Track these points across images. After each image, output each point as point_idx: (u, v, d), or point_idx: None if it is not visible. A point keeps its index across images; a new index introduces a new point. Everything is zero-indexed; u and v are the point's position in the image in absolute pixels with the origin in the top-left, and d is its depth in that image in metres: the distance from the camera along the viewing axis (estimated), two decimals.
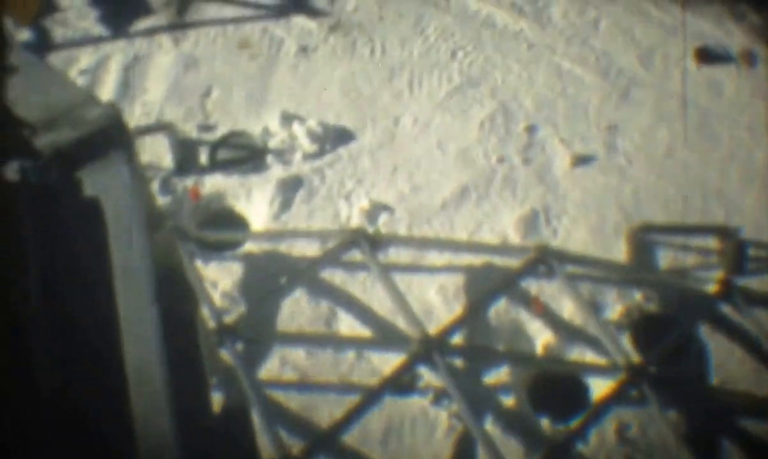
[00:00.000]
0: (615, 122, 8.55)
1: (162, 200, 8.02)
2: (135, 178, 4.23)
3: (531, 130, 8.49)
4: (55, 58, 9.34)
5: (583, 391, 7.18)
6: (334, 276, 7.59)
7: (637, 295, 7.48)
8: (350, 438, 6.81)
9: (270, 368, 7.14)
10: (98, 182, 4.10)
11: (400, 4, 9.58)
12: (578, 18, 9.32)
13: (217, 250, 7.82)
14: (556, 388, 7.20)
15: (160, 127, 8.63)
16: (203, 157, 8.47)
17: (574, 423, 6.88)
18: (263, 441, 6.36)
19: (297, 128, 8.50)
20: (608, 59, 9.00)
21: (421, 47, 9.19)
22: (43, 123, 4.04)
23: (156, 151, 8.39)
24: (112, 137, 4.25)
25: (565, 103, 8.69)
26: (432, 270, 7.66)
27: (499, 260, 7.63)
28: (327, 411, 6.94)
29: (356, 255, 7.51)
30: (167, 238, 5.18)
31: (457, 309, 7.36)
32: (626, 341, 7.22)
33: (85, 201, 4.01)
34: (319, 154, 8.37)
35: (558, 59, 9.01)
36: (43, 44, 9.36)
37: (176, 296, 4.29)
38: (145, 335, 3.88)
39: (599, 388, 7.02)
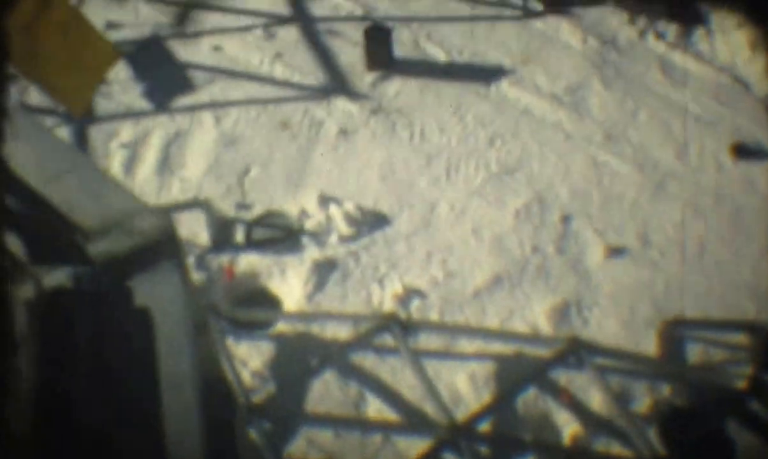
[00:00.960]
0: (649, 215, 8.77)
1: (196, 277, 8.32)
2: (185, 289, 4.47)
3: (565, 220, 8.76)
4: (97, 131, 9.74)
5: None
6: (365, 359, 7.85)
7: (666, 389, 7.68)
8: None
9: (297, 449, 7.38)
10: (149, 291, 4.33)
11: (440, 91, 9.92)
12: (616, 110, 9.62)
13: (249, 328, 8.09)
14: None
15: (197, 203, 8.97)
16: (239, 235, 8.78)
17: None
18: None
19: (334, 210, 8.81)
20: (644, 152, 9.27)
21: (459, 134, 9.51)
22: (98, 230, 4.28)
23: (192, 228, 8.72)
24: (164, 248, 4.49)
25: (600, 195, 8.96)
26: (462, 357, 7.92)
27: (529, 349, 7.87)
28: None
29: (387, 339, 7.77)
30: (211, 341, 5.44)
31: (486, 397, 7.59)
32: (654, 435, 7.38)
33: (135, 309, 4.24)
34: (355, 237, 8.67)
35: (595, 150, 9.30)
36: (85, 117, 9.71)
37: (218, 397, 4.53)
38: (190, 440, 4.11)
39: None
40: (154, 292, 4.32)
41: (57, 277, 3.98)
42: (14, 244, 4.11)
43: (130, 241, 4.35)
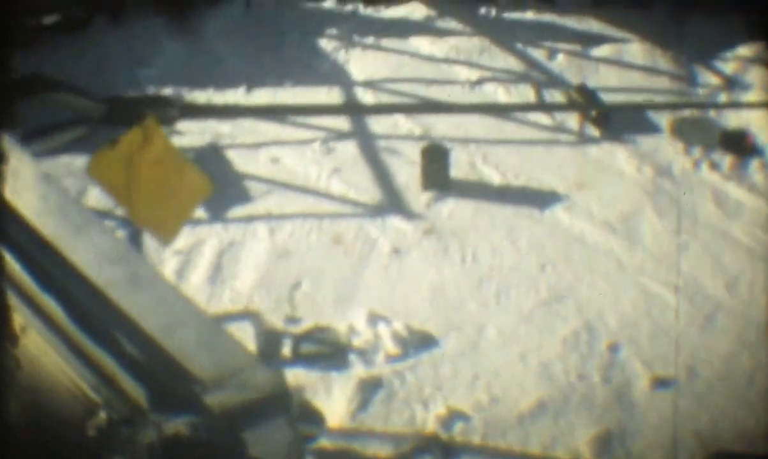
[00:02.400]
0: (697, 347, 9.03)
1: None
2: (295, 444, 4.77)
3: (613, 349, 9.05)
4: (152, 239, 10.17)
5: None
6: None
7: None
8: None
9: None
10: (262, 444, 4.65)
11: (494, 213, 10.34)
12: (668, 240, 9.96)
13: None
14: None
15: (246, 314, 9.35)
16: (286, 349, 9.13)
17: None
18: None
19: (382, 329, 9.17)
20: (695, 283, 9.58)
21: (511, 258, 9.88)
22: (213, 381, 4.57)
23: (240, 339, 9.06)
24: (277, 403, 4.78)
25: (649, 325, 9.26)
26: None
27: None
28: None
29: None
30: None
31: None
32: None
33: None
34: (402, 356, 9.01)
35: (645, 280, 9.63)
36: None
37: None
38: None
39: None
40: (266, 446, 4.62)
41: (175, 424, 4.27)
42: (136, 390, 4.42)
43: (245, 394, 4.61)
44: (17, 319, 4.40)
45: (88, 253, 4.67)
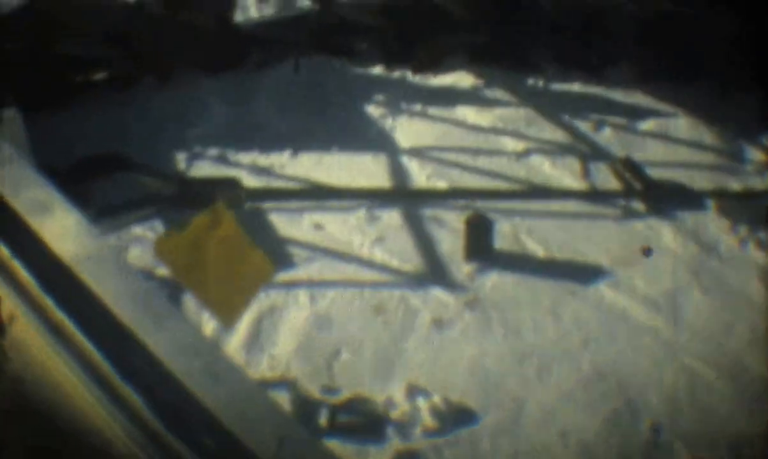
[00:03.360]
0: (742, 429, 9.00)
1: None
2: None
3: (655, 429, 9.03)
4: (191, 301, 10.28)
5: None
6: None
7: None
8: None
9: None
10: None
11: (537, 287, 10.39)
12: (713, 319, 9.96)
13: None
14: None
15: (283, 382, 9.41)
16: (323, 419, 9.18)
17: None
18: None
19: (421, 402, 9.21)
20: (741, 365, 9.59)
21: (553, 333, 9.92)
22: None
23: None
24: None
25: (693, 406, 9.25)
26: None
27: None
28: None
29: None
30: None
31: None
32: None
33: None
34: (441, 431, 9.05)
35: (689, 360, 9.64)
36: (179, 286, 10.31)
37: None
38: None
39: None
40: None
41: None
42: None
43: None
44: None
45: (166, 343, 4.76)
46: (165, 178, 11.32)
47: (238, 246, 7.54)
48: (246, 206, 11.17)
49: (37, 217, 5.10)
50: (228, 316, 8.09)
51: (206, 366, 4.73)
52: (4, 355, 4.50)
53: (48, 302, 4.69)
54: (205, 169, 12.13)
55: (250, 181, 11.83)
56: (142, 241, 10.54)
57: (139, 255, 10.01)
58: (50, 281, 4.81)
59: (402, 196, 11.72)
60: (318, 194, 11.78)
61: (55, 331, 4.66)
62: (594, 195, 11.72)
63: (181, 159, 12.42)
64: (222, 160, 12.38)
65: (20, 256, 4.89)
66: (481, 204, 11.43)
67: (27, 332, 4.67)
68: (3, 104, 11.49)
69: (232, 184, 11.49)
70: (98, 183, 10.53)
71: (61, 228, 5.06)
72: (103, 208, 10.50)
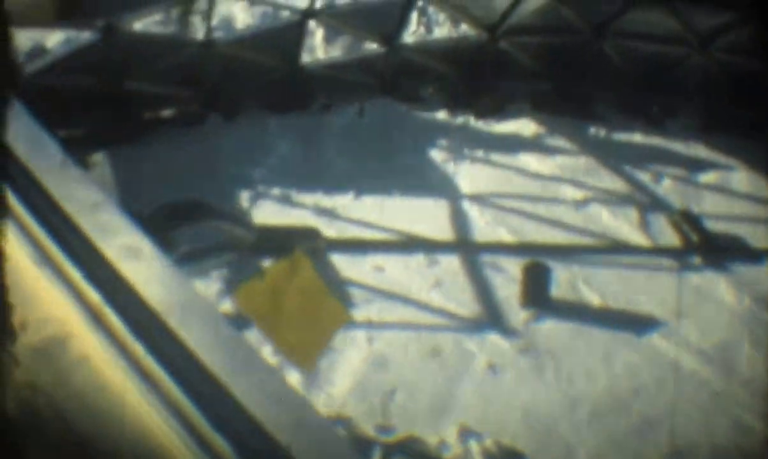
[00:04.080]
0: None
1: None
2: None
3: None
4: (250, 335, 10.73)
5: None
6: None
7: None
8: None
9: None
10: None
11: (591, 336, 10.77)
12: (764, 372, 10.20)
13: None
14: None
15: (338, 421, 9.80)
16: (376, 458, 9.54)
17: None
18: None
19: (473, 445, 9.61)
20: None
21: (605, 381, 10.29)
22: None
23: None
24: None
25: (741, 457, 9.49)
26: None
27: None
28: None
29: None
30: None
31: None
32: None
33: None
34: None
35: (740, 411, 9.94)
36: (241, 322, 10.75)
37: None
38: None
39: None
40: None
41: None
42: None
43: None
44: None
45: (254, 391, 5.04)
46: (246, 226, 11.73)
47: (315, 293, 8.01)
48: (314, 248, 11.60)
49: (128, 263, 5.43)
50: (304, 361, 8.55)
51: (294, 416, 5.03)
52: (16, 361, 4.88)
53: (138, 348, 4.96)
54: (268, 208, 12.61)
55: (313, 221, 12.32)
56: (221, 285, 11.10)
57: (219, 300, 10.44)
58: (141, 327, 5.00)
59: (461, 241, 12.15)
60: (390, 248, 12.13)
61: (145, 376, 5.07)
62: (651, 246, 12.08)
63: (245, 197, 12.91)
64: (286, 200, 12.84)
65: (112, 301, 5.11)
66: (539, 251, 11.82)
67: (117, 377, 4.98)
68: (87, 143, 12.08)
69: (311, 233, 11.89)
70: (181, 228, 10.94)
71: (151, 274, 5.28)
72: (186, 254, 10.96)
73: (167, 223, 10.19)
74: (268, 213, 12.56)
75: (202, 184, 12.64)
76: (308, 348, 8.13)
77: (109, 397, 4.79)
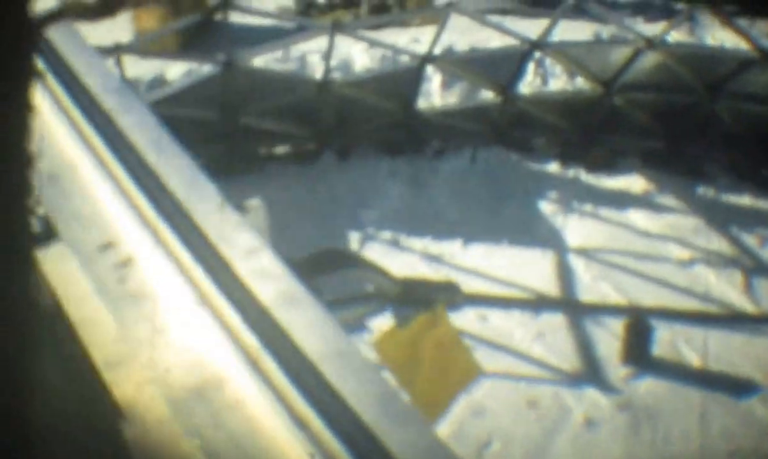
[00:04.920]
0: None
1: None
2: None
3: None
4: None
5: None
6: None
7: None
8: None
9: None
10: None
11: (689, 397, 11.17)
12: None
13: None
14: None
15: None
16: None
17: None
18: None
19: None
20: None
21: (701, 443, 10.64)
22: None
23: None
24: None
25: None
26: None
27: None
28: None
29: None
30: None
31: None
32: None
33: None
34: None
35: None
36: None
37: None
38: None
39: None
40: None
41: None
42: None
43: None
44: None
45: (407, 446, 5.38)
46: (388, 276, 12.18)
47: (452, 347, 8.54)
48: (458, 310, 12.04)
49: (285, 310, 5.52)
50: (433, 411, 9.04)
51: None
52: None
53: (293, 395, 5.19)
54: (377, 250, 13.13)
55: (421, 267, 12.83)
56: (363, 334, 11.44)
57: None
58: (296, 374, 5.26)
59: (565, 294, 12.57)
60: (511, 303, 12.56)
61: (300, 423, 5.14)
62: (754, 310, 12.37)
63: (355, 238, 13.46)
64: (395, 243, 13.35)
65: (268, 347, 5.37)
66: (642, 309, 12.20)
67: (271, 422, 5.32)
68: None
69: (451, 287, 12.34)
70: (328, 276, 11.41)
71: (307, 321, 5.53)
72: (330, 301, 11.43)
73: (314, 269, 10.56)
74: (377, 256, 13.04)
75: (313, 224, 13.21)
76: (439, 399, 8.60)
77: (263, 441, 5.13)
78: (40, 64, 6.85)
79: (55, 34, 7.40)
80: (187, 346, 5.47)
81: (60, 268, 6.17)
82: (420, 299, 11.01)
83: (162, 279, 5.70)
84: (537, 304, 12.35)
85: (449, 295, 11.91)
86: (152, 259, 5.83)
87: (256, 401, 5.22)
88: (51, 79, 6.98)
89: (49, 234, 6.38)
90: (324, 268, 11.29)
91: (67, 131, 6.67)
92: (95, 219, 6.17)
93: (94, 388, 5.63)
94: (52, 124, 6.66)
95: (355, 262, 12.21)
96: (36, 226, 6.23)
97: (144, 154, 6.60)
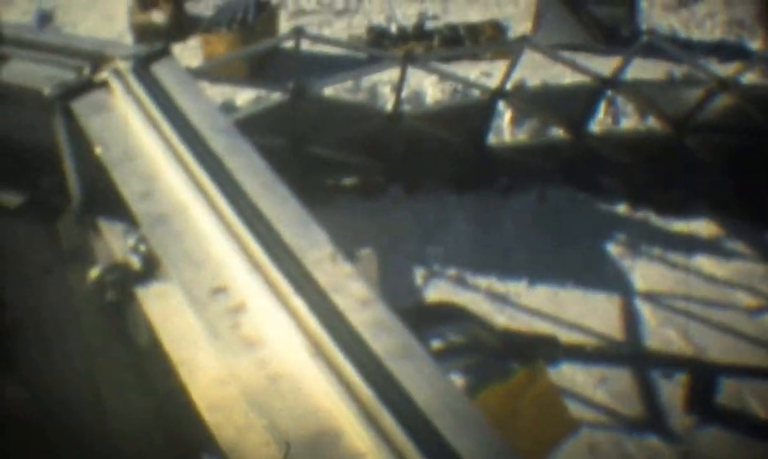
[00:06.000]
0: None
1: None
2: None
3: None
4: None
5: None
6: None
7: None
8: None
9: None
10: None
11: (754, 449, 11.20)
12: None
13: None
14: None
15: None
16: None
17: None
18: None
19: None
20: None
21: None
22: None
23: None
24: None
25: None
26: None
27: None
28: None
29: None
30: None
31: None
32: None
33: None
34: None
35: None
36: None
37: None
38: None
39: None
40: None
41: None
42: None
43: None
44: None
45: None
46: (490, 329, 12.32)
47: (551, 403, 8.75)
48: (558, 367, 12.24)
49: (399, 362, 5.53)
50: None
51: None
52: None
53: (410, 449, 5.19)
54: (442, 288, 13.37)
55: (484, 306, 13.04)
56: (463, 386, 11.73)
57: None
58: (411, 429, 5.26)
59: (630, 339, 12.73)
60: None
61: None
62: None
63: (419, 274, 13.69)
64: (459, 281, 13.57)
65: (383, 400, 5.41)
66: (707, 357, 12.32)
67: None
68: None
69: (551, 341, 12.52)
70: (434, 329, 11.61)
71: (421, 375, 5.52)
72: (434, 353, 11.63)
73: (422, 321, 10.60)
74: (441, 293, 13.27)
75: (378, 257, 13.45)
76: (533, 451, 8.81)
77: None
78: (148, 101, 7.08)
79: (161, 70, 7.60)
80: (301, 395, 5.53)
81: (161, 307, 6.38)
82: (520, 353, 11.16)
83: (275, 326, 5.79)
84: (615, 355, 12.48)
85: (549, 350, 12.03)
86: (265, 305, 5.94)
87: (372, 455, 5.29)
88: (159, 118, 7.15)
89: (149, 272, 6.58)
90: (432, 321, 11.39)
91: (176, 171, 6.80)
92: (206, 262, 6.25)
93: (193, 428, 5.83)
94: (161, 163, 6.81)
95: (461, 314, 12.30)
96: (137, 263, 6.46)
97: (254, 197, 6.73)
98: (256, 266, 6.20)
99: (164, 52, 7.54)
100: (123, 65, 7.32)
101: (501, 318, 12.93)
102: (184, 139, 7.11)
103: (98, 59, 7.44)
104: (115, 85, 7.31)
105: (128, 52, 7.52)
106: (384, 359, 5.65)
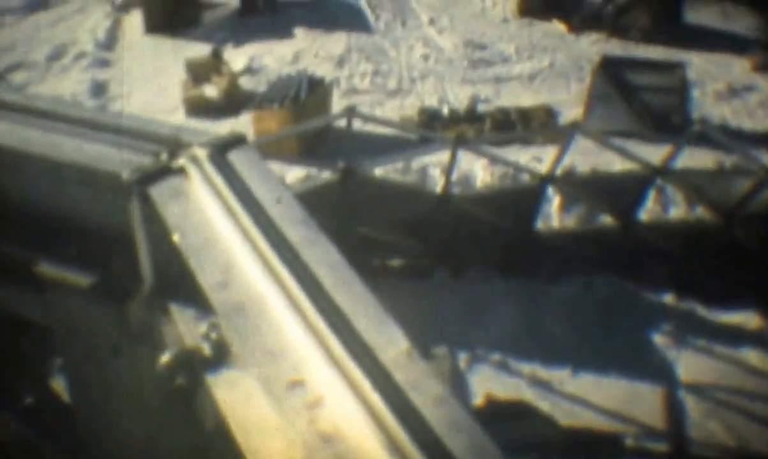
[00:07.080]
0: None
1: None
2: None
3: None
4: None
5: None
6: None
7: None
8: None
9: None
10: None
11: None
12: None
13: None
14: None
15: None
16: None
17: None
18: None
19: None
20: None
21: None
22: None
23: None
24: None
25: None
26: None
27: None
28: None
29: None
30: None
31: None
32: None
33: None
34: None
35: None
36: None
37: None
38: None
39: None
40: None
41: None
42: None
43: None
44: None
45: None
46: (553, 425, 12.38)
47: None
48: None
49: None
50: None
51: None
52: None
53: None
54: (485, 373, 13.57)
55: (527, 392, 13.24)
56: None
57: None
58: None
59: (673, 431, 12.89)
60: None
61: None
62: None
63: (462, 358, 13.90)
64: (503, 366, 13.76)
65: None
66: (751, 452, 12.44)
67: None
68: None
69: (614, 439, 12.65)
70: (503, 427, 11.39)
71: None
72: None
73: (492, 418, 10.62)
74: (484, 378, 13.49)
75: (422, 341, 13.68)
76: None
77: None
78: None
79: (238, 158, 7.80)
80: None
81: (231, 395, 6.58)
82: (585, 451, 11.24)
83: (353, 423, 5.93)
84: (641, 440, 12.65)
85: (613, 448, 12.18)
86: (343, 400, 6.10)
87: None
88: (237, 207, 7.33)
89: (220, 360, 6.78)
90: (503, 418, 11.50)
91: (254, 262, 6.96)
92: (284, 354, 6.37)
93: None
94: (239, 253, 6.98)
95: (529, 412, 12.44)
96: (208, 349, 6.68)
97: (331, 290, 6.86)
98: (334, 361, 6.31)
99: (241, 140, 7.75)
100: (200, 152, 7.49)
101: (544, 405, 13.07)
102: (261, 229, 7.25)
103: (175, 144, 7.64)
104: (193, 171, 7.47)
105: (205, 138, 7.72)
106: None
